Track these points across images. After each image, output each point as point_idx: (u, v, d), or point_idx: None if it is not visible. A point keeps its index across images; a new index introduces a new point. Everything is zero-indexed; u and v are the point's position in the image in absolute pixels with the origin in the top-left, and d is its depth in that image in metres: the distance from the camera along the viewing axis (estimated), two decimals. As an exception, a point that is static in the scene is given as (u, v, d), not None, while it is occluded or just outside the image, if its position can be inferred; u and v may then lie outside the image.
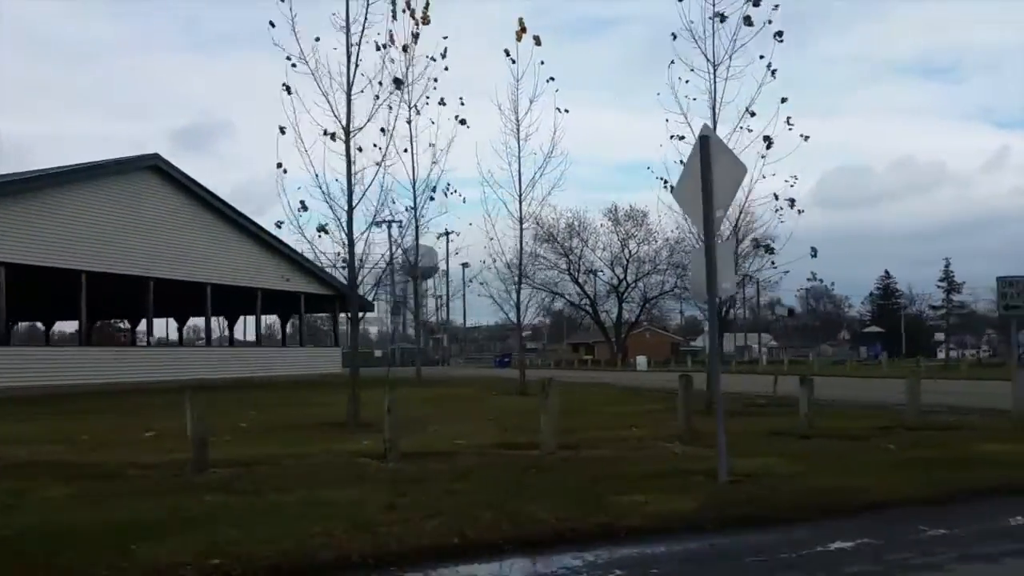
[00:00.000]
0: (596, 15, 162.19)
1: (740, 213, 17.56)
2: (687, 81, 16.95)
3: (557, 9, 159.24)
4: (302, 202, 14.53)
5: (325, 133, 14.03)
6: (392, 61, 14.47)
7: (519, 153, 23.93)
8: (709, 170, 8.75)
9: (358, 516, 6.69)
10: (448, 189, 25.27)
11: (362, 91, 14.73)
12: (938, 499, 8.15)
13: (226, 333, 42.72)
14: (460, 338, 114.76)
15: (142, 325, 37.74)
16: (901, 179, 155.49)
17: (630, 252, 73.58)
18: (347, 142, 14.75)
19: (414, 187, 27.77)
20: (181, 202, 29.59)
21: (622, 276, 74.14)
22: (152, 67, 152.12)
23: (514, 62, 22.63)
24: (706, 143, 8.76)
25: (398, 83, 14.36)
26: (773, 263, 17.93)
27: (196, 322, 41.58)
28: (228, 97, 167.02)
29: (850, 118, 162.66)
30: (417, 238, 29.46)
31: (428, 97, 23.95)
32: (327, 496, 7.62)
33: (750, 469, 9.32)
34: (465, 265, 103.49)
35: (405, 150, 14.91)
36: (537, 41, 21.20)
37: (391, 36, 20.10)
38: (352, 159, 14.73)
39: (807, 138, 16.52)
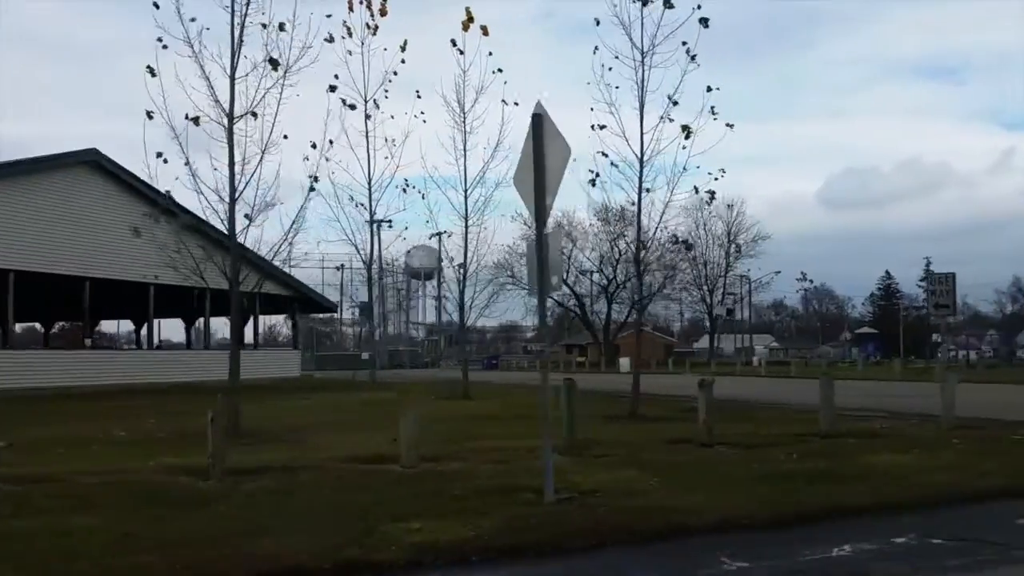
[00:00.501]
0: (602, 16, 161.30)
1: (664, 208, 16.57)
2: (610, 68, 16.12)
3: (561, 11, 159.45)
4: (160, 153, 13.49)
5: (187, 118, 13.11)
6: (267, 44, 13.48)
7: (464, 148, 23.05)
8: (542, 152, 7.80)
9: (76, 549, 5.77)
10: (406, 185, 24.24)
11: (247, 75, 13.82)
12: (785, 520, 7.22)
13: (183, 336, 41.69)
14: (461, 339, 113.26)
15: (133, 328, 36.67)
16: (907, 180, 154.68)
17: (620, 252, 72.62)
18: (229, 128, 13.83)
19: (369, 184, 27.16)
20: (122, 199, 28.57)
21: (611, 276, 73.22)
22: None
23: (462, 52, 21.77)
24: (539, 122, 7.80)
25: (274, 64, 13.41)
26: (694, 258, 16.86)
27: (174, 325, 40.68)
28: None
29: (857, 119, 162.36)
30: (372, 234, 28.60)
31: (387, 91, 23.34)
32: (74, 523, 6.68)
33: (598, 484, 8.41)
34: (461, 266, 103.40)
35: (285, 136, 13.85)
36: (484, 31, 20.37)
37: (348, 29, 19.48)
38: (234, 145, 13.82)
39: (732, 126, 15.58)
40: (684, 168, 15.60)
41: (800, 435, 12.75)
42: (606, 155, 16.21)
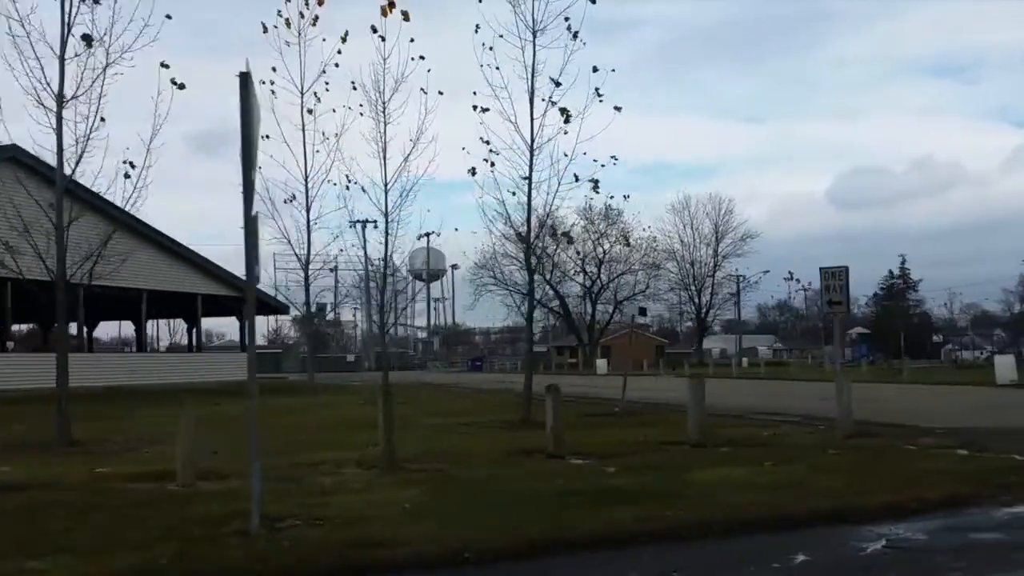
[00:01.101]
0: (610, 18, 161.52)
1: (553, 197, 15.33)
2: (491, 48, 14.96)
3: (571, 13, 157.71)
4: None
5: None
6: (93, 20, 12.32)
7: (385, 142, 21.73)
8: (251, 119, 6.59)
9: None
10: (349, 182, 22.87)
11: (76, 55, 12.68)
12: (524, 551, 6.07)
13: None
14: (458, 341, 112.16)
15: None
16: (918, 179, 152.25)
17: (604, 252, 71.31)
18: (58, 112, 12.71)
19: (306, 180, 25.97)
20: (48, 197, 27.40)
21: (595, 277, 71.87)
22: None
23: (383, 39, 20.42)
24: (247, 81, 6.59)
25: (88, 40, 12.24)
26: (578, 251, 15.66)
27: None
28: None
29: (867, 119, 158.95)
30: (309, 229, 27.36)
31: (327, 84, 22.03)
32: None
33: (346, 509, 7.22)
34: (455, 267, 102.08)
35: (102, 118, 12.68)
36: (406, 17, 19.12)
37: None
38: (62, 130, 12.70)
39: (619, 109, 14.36)
40: (566, 155, 14.43)
41: (667, 443, 11.52)
42: (487, 142, 15.04)
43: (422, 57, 18.64)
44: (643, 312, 27.29)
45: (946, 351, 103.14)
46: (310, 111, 23.37)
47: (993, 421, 15.28)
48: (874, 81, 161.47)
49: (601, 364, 56.47)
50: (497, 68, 15.09)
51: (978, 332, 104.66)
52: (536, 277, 74.08)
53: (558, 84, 14.48)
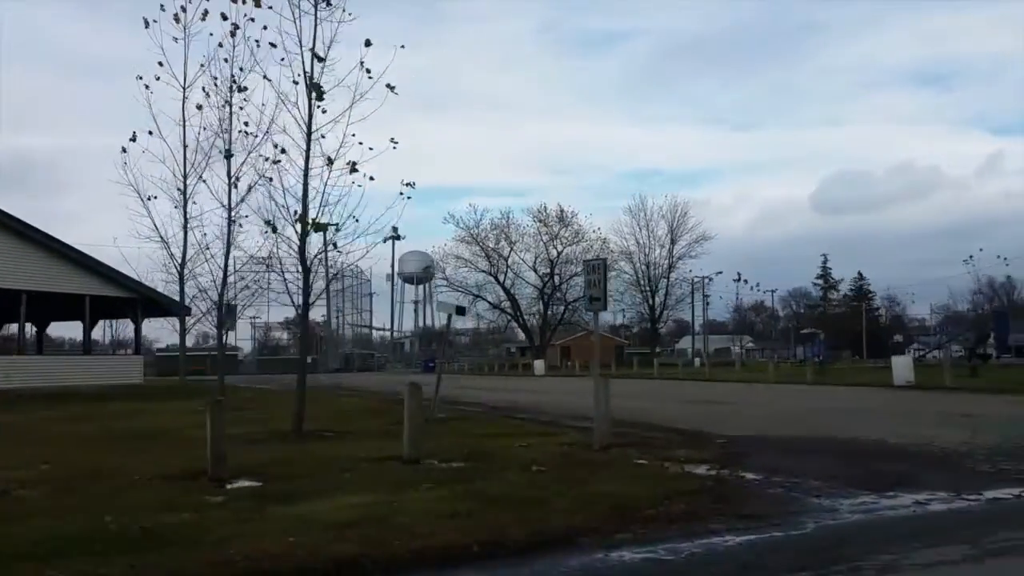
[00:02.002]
0: (602, 29, 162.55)
1: (324, 185, 13.95)
2: (252, 19, 13.70)
3: (564, 23, 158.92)
4: None
5: None
6: None
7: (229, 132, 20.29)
8: None
9: None
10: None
11: None
12: None
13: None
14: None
15: None
16: (899, 184, 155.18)
17: (557, 253, 70.19)
18: None
19: (184, 177, 24.71)
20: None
21: (547, 278, 70.89)
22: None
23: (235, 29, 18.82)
24: None
25: None
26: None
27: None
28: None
29: (850, 126, 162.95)
30: (186, 230, 26.07)
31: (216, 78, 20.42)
32: None
33: None
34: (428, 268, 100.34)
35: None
36: (257, 3, 17.79)
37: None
38: None
39: (392, 88, 13.08)
40: (322, 136, 13.10)
41: (385, 458, 10.24)
42: (247, 123, 13.80)
43: (272, 45, 16.63)
44: (460, 311, 25.86)
45: (913, 350, 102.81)
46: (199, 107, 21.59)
47: (807, 429, 14.13)
48: (858, 90, 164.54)
49: (539, 365, 55.22)
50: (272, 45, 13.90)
51: (959, 333, 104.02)
52: (487, 277, 72.72)
53: (321, 59, 13.22)
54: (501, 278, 70.35)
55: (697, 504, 7.42)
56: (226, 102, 18.12)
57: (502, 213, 71.98)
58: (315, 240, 14.11)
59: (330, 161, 12.98)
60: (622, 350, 75.83)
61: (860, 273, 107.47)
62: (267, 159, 14.57)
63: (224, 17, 16.98)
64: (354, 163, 12.93)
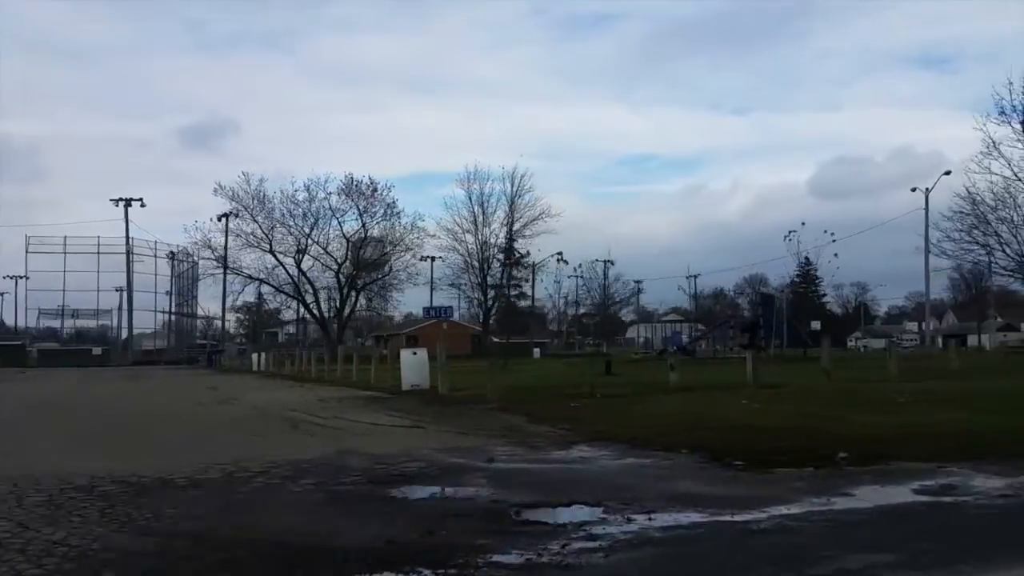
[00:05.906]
0: (594, 11, 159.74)
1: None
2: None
3: (555, 6, 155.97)
4: None
5: None
6: None
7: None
8: None
9: None
10: None
11: None
12: None
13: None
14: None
15: None
16: (899, 169, 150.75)
17: (365, 231, 61.99)
18: None
19: None
20: None
21: (343, 259, 62.67)
22: (159, 68, 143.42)
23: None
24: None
25: None
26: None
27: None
28: (234, 97, 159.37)
29: (849, 110, 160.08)
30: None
31: None
32: None
33: None
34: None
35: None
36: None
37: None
38: None
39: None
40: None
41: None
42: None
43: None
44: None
45: (855, 339, 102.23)
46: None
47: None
48: (856, 73, 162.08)
49: (255, 359, 50.07)
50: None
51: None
52: (274, 262, 62.24)
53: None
54: (299, 258, 62.62)
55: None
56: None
57: (310, 178, 67.45)
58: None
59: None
60: (478, 339, 62.11)
61: (807, 258, 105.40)
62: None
63: None
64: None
